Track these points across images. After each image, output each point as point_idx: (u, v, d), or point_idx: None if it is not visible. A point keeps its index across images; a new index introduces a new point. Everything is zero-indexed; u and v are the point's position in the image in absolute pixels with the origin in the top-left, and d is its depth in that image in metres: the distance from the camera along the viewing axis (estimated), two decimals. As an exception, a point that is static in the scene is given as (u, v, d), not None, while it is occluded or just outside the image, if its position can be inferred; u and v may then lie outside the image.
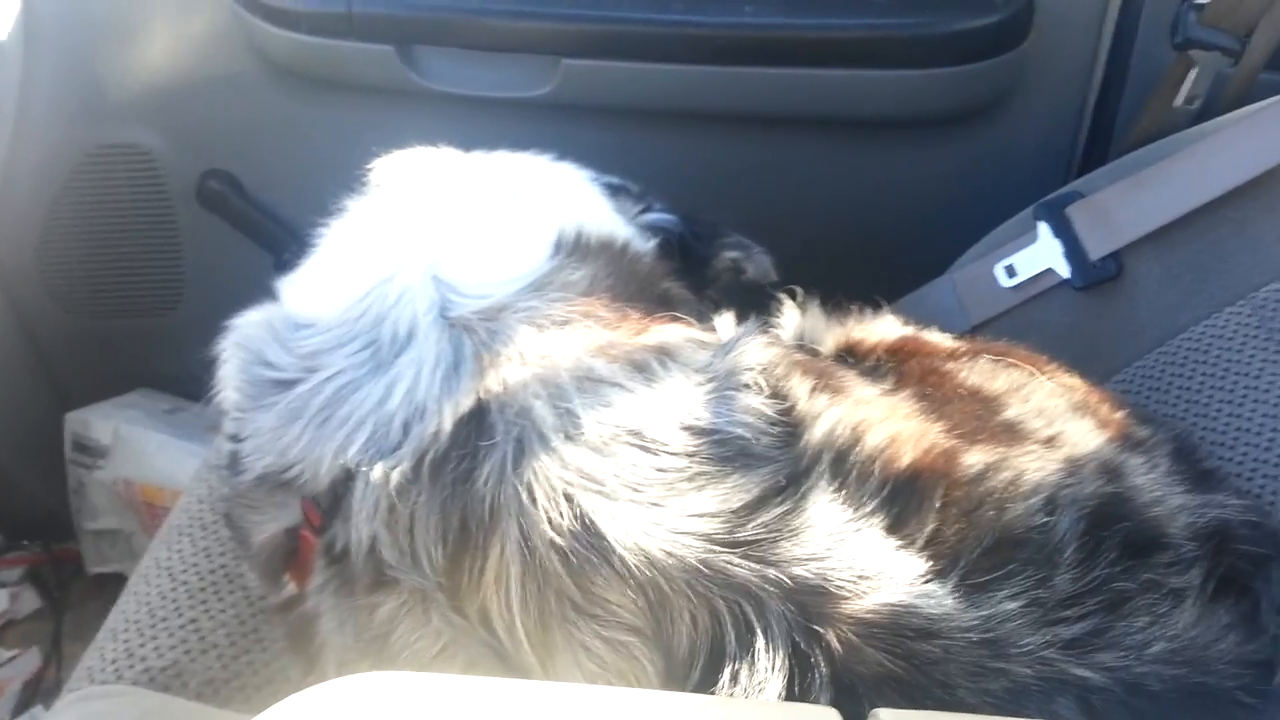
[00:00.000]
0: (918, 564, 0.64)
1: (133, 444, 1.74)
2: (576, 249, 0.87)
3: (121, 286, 1.77)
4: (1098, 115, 1.55)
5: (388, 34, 1.49)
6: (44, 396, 1.85)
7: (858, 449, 0.69)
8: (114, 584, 1.79)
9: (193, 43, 1.57)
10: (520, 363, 0.75)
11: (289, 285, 0.89)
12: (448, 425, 0.72)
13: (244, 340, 0.86)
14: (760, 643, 0.62)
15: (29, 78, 1.51)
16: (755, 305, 1.05)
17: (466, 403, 0.73)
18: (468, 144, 1.07)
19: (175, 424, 1.78)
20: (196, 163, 1.66)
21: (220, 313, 0.91)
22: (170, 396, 1.85)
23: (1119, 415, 0.82)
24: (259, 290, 0.93)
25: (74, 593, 1.90)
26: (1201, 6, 1.35)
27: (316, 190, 0.99)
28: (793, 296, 1.01)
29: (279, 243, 1.67)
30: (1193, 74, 1.34)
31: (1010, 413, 0.78)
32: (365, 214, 0.95)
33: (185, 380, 1.79)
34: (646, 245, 1.01)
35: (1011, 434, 0.75)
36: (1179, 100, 1.35)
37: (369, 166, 1.04)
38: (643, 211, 1.08)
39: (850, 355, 0.87)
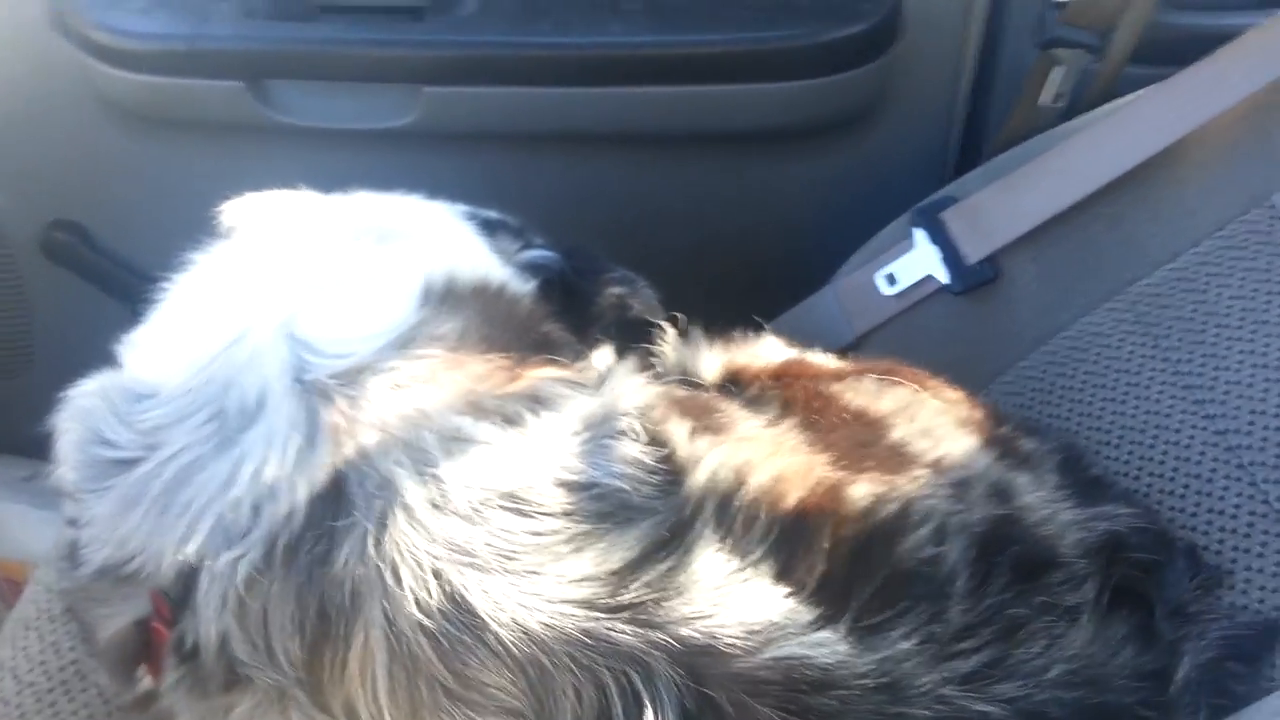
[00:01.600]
0: (808, 611, 0.61)
1: (-11, 516, 1.63)
2: (447, 297, 0.81)
3: (-35, 349, 1.66)
4: (970, 118, 1.57)
5: (235, 69, 1.43)
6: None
7: (742, 492, 0.66)
8: None
9: (28, 86, 1.47)
10: (382, 430, 0.69)
11: (129, 348, 0.82)
12: (302, 505, 0.66)
13: (79, 415, 0.78)
14: (649, 714, 0.58)
15: None
16: (640, 339, 1.02)
17: (322, 478, 0.67)
18: (330, 179, 1.01)
19: (33, 492, 1.66)
20: (40, 214, 1.57)
21: (77, 371, 0.83)
22: (27, 461, 1.73)
23: (1004, 429, 0.81)
24: (115, 343, 0.86)
25: None
26: (1062, 5, 1.37)
27: (172, 236, 0.92)
28: (674, 324, 0.98)
29: (136, 294, 1.57)
30: (1058, 72, 1.35)
31: (896, 434, 0.77)
32: (213, 265, 0.88)
33: (42, 444, 1.68)
34: (525, 286, 0.95)
35: (899, 458, 0.73)
36: (1046, 99, 1.37)
37: (219, 211, 0.98)
38: (522, 249, 1.03)
39: (734, 384, 0.85)
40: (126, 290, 1.59)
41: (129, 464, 0.72)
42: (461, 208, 1.02)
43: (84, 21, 1.42)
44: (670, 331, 1.00)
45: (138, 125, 1.49)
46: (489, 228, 1.00)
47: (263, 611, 0.65)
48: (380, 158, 1.48)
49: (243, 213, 0.95)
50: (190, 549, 0.67)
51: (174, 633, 0.69)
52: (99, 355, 0.85)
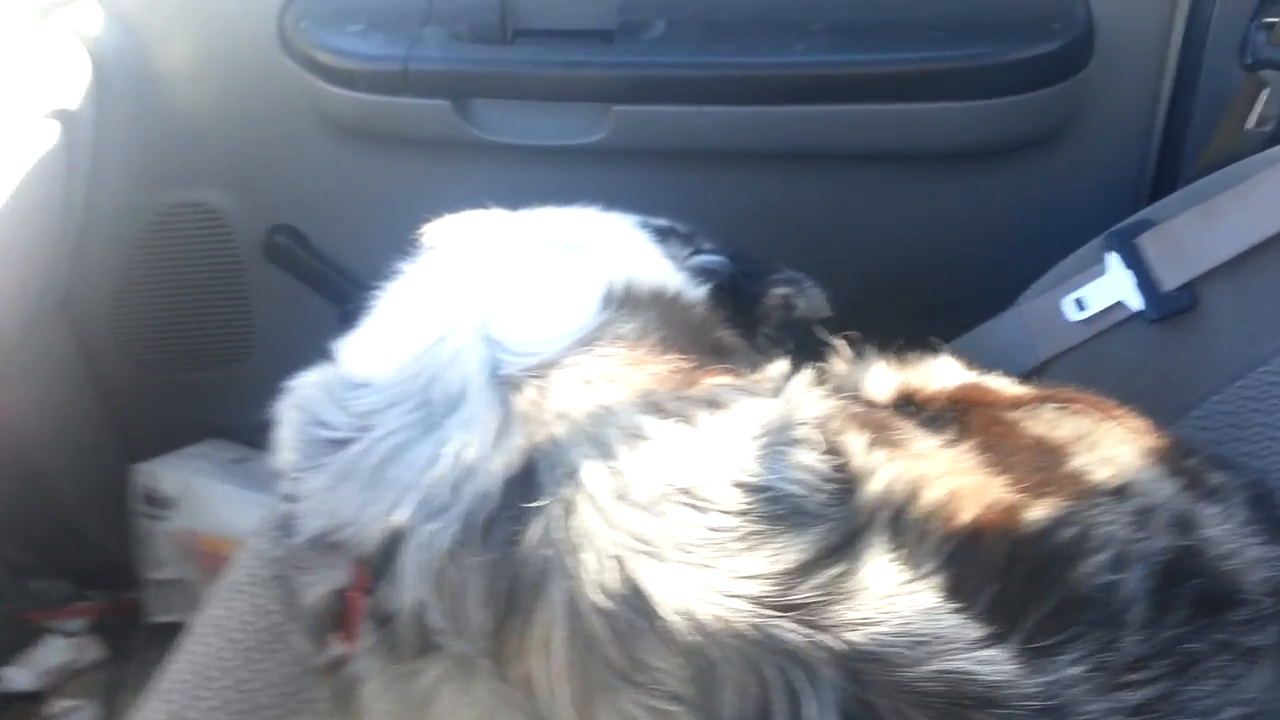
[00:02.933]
0: (977, 628, 0.61)
1: (199, 495, 1.77)
2: (626, 301, 0.87)
3: (192, 340, 1.81)
4: (1166, 140, 1.51)
5: (443, 89, 1.52)
6: (113, 449, 1.89)
7: (916, 505, 0.67)
8: (174, 633, 1.82)
9: (257, 104, 1.61)
10: (569, 421, 0.74)
11: (345, 347, 0.90)
12: (497, 486, 0.72)
13: (300, 401, 0.87)
14: (810, 713, 0.60)
15: (100, 143, 1.56)
16: (810, 343, 1.03)
17: (515, 463, 0.73)
18: (526, 193, 1.08)
19: (242, 474, 1.80)
20: (263, 219, 1.70)
21: (287, 364, 0.92)
22: (238, 446, 1.88)
23: (1191, 461, 0.78)
24: (324, 342, 0.94)
25: (136, 642, 1.92)
26: (1271, 25, 1.31)
27: (379, 242, 1.00)
28: (850, 342, 0.99)
29: (344, 295, 1.69)
30: (1264, 95, 1.29)
31: (1076, 462, 0.75)
32: (418, 276, 0.96)
33: (253, 430, 1.81)
34: (698, 292, 1.00)
35: (1078, 485, 0.72)
36: (1250, 123, 1.30)
37: (428, 221, 1.05)
38: (692, 254, 1.07)
39: (909, 404, 0.85)
40: (336, 291, 1.71)
41: (343, 444, 0.80)
42: (635, 218, 1.06)
43: (308, 42, 1.54)
44: (845, 349, 1.00)
45: (353, 140, 1.60)
46: (661, 235, 1.04)
47: (458, 583, 0.70)
48: (573, 173, 1.54)
49: (441, 230, 1.02)
50: (398, 518, 0.73)
51: (370, 601, 0.75)
52: (309, 351, 0.93)
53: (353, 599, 0.77)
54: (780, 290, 1.05)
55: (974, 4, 1.45)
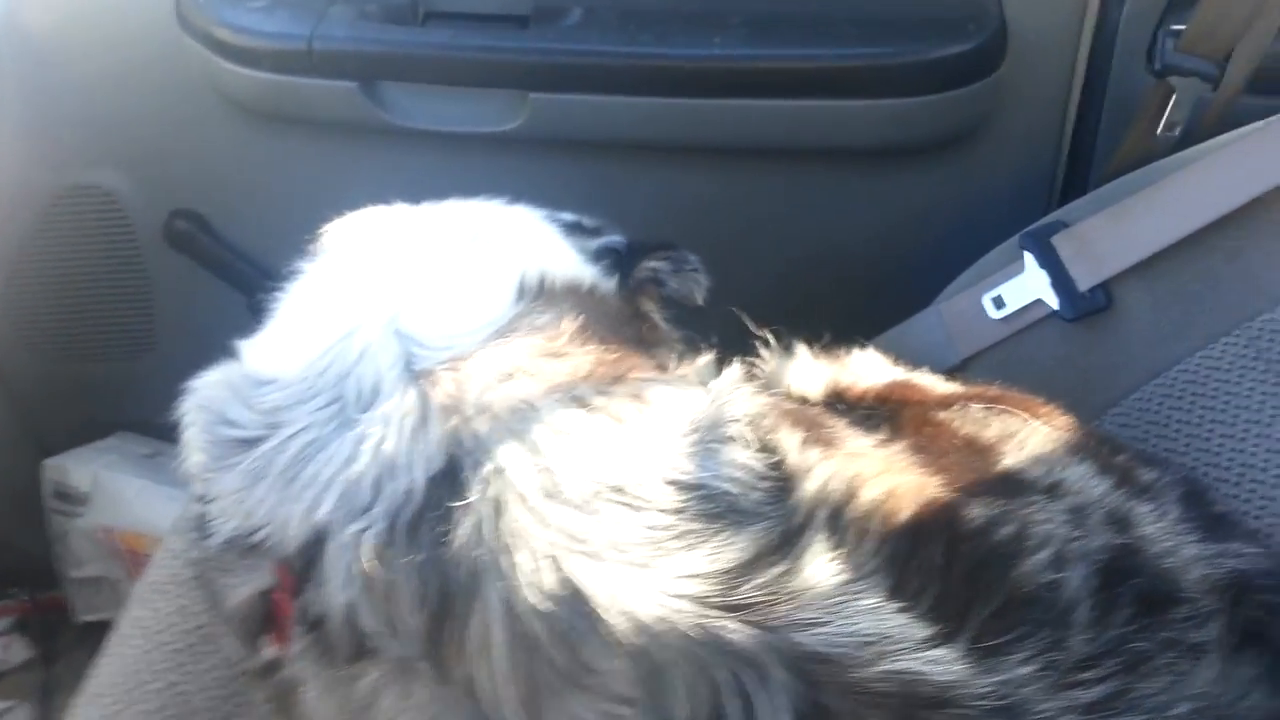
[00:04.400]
0: (923, 627, 0.61)
1: (112, 490, 1.71)
2: (541, 293, 0.84)
3: (94, 330, 1.74)
4: (1076, 142, 1.54)
5: (350, 70, 1.47)
6: (21, 443, 1.81)
7: (854, 504, 0.66)
8: (102, 631, 1.76)
9: (155, 82, 1.54)
10: (490, 415, 0.71)
11: (248, 346, 0.86)
12: (420, 484, 0.69)
13: (205, 401, 0.83)
14: (763, 714, 0.59)
15: (-13, 121, 1.48)
16: (680, 319, 1.01)
17: (437, 459, 0.70)
18: (435, 178, 1.05)
19: (154, 468, 1.74)
20: (163, 203, 1.63)
21: (194, 353, 0.88)
22: (149, 440, 1.82)
23: (1121, 458, 0.79)
24: (231, 331, 0.90)
25: (63, 641, 1.87)
26: (1178, 32, 1.34)
27: (285, 227, 0.96)
28: (776, 337, 0.98)
29: (250, 282, 1.63)
30: (1173, 100, 1.32)
31: (1007, 461, 0.76)
32: (321, 273, 0.92)
33: (163, 424, 1.75)
34: (610, 284, 0.98)
35: (1013, 484, 0.72)
36: (1160, 128, 1.34)
37: (336, 206, 1.01)
38: (595, 244, 1.05)
39: (839, 402, 0.84)
40: (241, 277, 1.65)
41: (252, 443, 0.76)
42: (541, 211, 1.04)
43: (207, 18, 1.47)
44: (772, 344, 1.00)
45: (256, 121, 1.54)
46: (568, 229, 1.02)
47: (387, 584, 0.67)
48: (487, 161, 1.51)
49: (343, 228, 0.99)
50: (318, 518, 0.70)
51: (298, 603, 0.72)
52: (215, 338, 0.89)
53: (280, 601, 0.74)
54: (652, 263, 1.01)
55: (891, 2, 1.46)
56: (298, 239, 0.96)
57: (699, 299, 1.01)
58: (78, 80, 1.53)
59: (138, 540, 1.70)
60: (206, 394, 0.82)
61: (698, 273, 1.01)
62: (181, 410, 0.84)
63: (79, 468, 1.75)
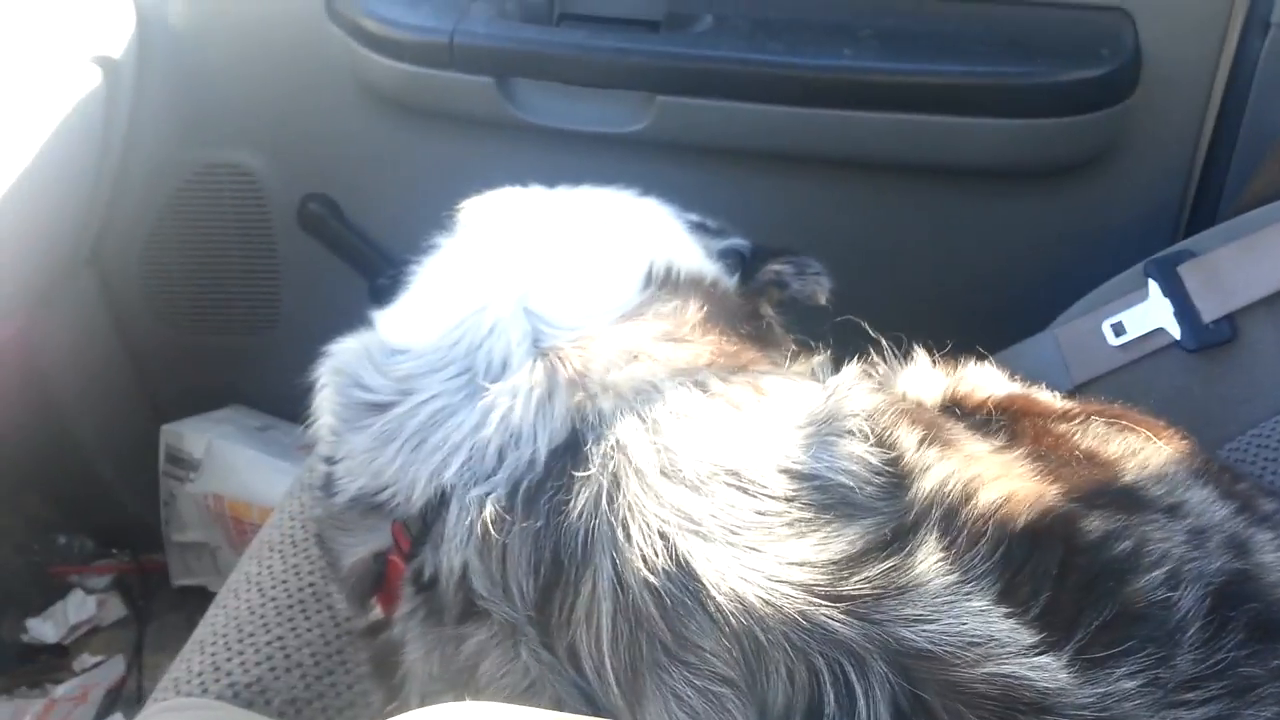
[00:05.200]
0: (1030, 634, 0.61)
1: (224, 459, 1.77)
2: (667, 282, 0.87)
3: (220, 303, 1.81)
4: (1206, 172, 1.51)
5: (487, 66, 1.51)
6: (140, 408, 1.90)
7: (969, 507, 0.66)
8: (196, 597, 1.84)
9: (299, 69, 1.60)
10: (614, 393, 0.74)
11: (383, 317, 0.90)
12: (543, 454, 0.72)
13: (340, 365, 0.87)
14: (861, 705, 0.60)
15: (140, 96, 1.56)
16: (805, 322, 1.02)
17: (561, 432, 0.73)
18: (562, 176, 1.07)
19: (266, 441, 1.80)
20: (298, 186, 1.69)
21: (313, 334, 0.92)
22: (261, 414, 1.89)
23: (1242, 486, 0.78)
24: (351, 313, 0.95)
25: (157, 603, 1.94)
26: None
27: (413, 217, 1.00)
28: (896, 344, 0.99)
29: (374, 267, 1.69)
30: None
31: (1129, 478, 0.75)
32: (456, 250, 0.96)
33: (277, 398, 1.83)
34: (731, 282, 0.99)
35: (1132, 500, 0.72)
36: (1298, 162, 1.31)
37: (464, 199, 1.05)
38: (720, 243, 1.07)
39: (956, 408, 0.84)
40: (366, 264, 1.70)
41: (384, 407, 0.80)
42: (670, 208, 1.06)
43: (355, 9, 1.53)
44: (888, 351, 1.00)
45: (393, 112, 1.59)
46: (694, 227, 1.04)
47: (503, 548, 0.69)
48: (612, 161, 1.53)
49: (480, 206, 1.02)
50: (444, 480, 0.73)
51: (412, 565, 0.75)
52: (336, 322, 0.93)
53: (394, 563, 0.77)
54: (776, 266, 1.03)
55: (1023, 23, 1.45)
56: (425, 228, 1.00)
57: (822, 299, 1.02)
58: (225, 62, 1.60)
59: (245, 509, 1.76)
60: (342, 359, 0.87)
61: (820, 276, 1.03)
62: (316, 372, 0.89)
63: (194, 435, 1.82)
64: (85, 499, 1.92)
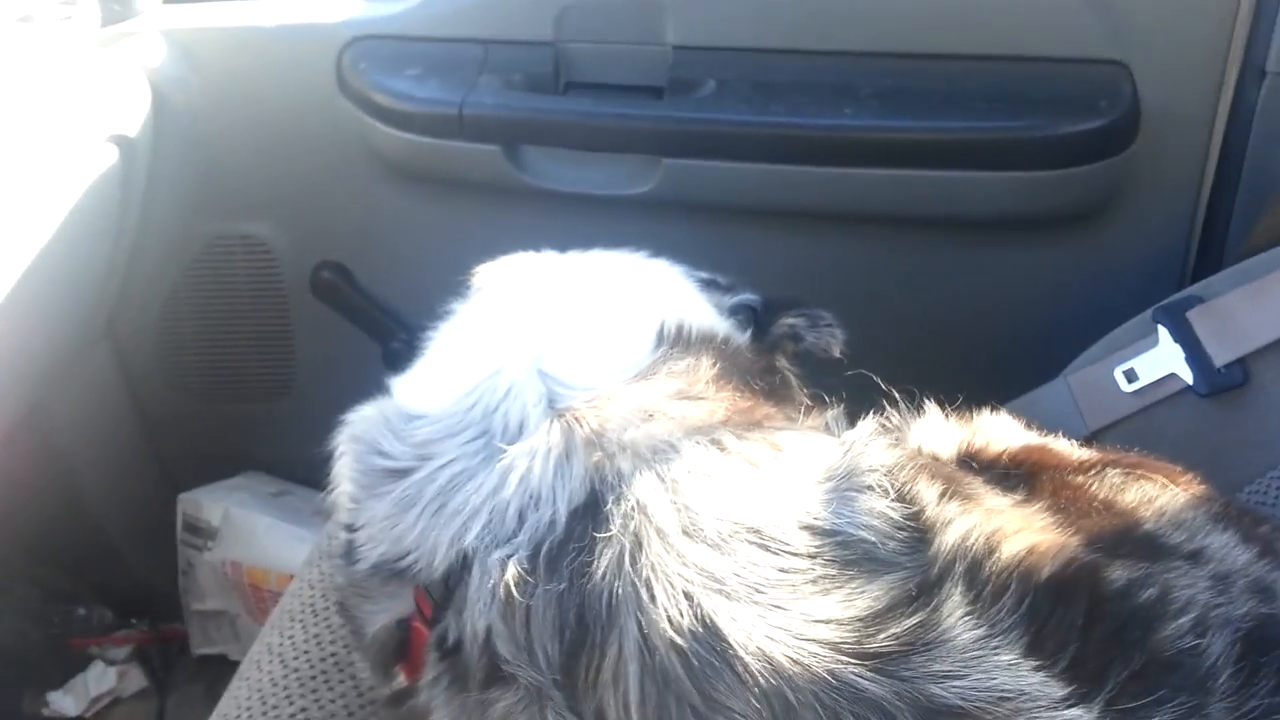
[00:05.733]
0: (1060, 686, 0.61)
1: (241, 526, 1.78)
2: (679, 340, 0.88)
3: (235, 371, 1.83)
4: (1210, 218, 1.52)
5: (495, 135, 1.54)
6: (156, 477, 1.91)
7: (993, 560, 0.66)
8: (217, 666, 1.84)
9: (311, 141, 1.64)
10: (632, 454, 0.74)
11: (399, 382, 0.91)
12: (563, 515, 0.72)
13: (358, 433, 0.87)
14: None
15: (155, 171, 1.59)
16: (818, 374, 1.02)
17: (580, 492, 0.73)
18: (571, 239, 1.09)
19: (282, 507, 1.81)
20: (310, 254, 1.72)
21: (327, 399, 0.93)
22: (276, 480, 1.90)
23: (1263, 529, 0.78)
24: (365, 378, 0.96)
25: (178, 673, 1.93)
26: (1322, 110, 1.33)
27: (424, 282, 1.01)
28: (908, 397, 0.99)
29: (387, 333, 1.71)
30: (1315, 179, 1.30)
31: (1148, 526, 0.75)
32: (470, 314, 0.97)
33: (291, 464, 1.85)
34: (743, 337, 1.00)
35: (1154, 548, 0.72)
36: (1302, 205, 1.32)
37: (475, 264, 1.06)
38: (730, 300, 1.08)
39: (973, 462, 0.84)
40: (378, 328, 1.72)
41: (403, 473, 0.81)
42: (679, 267, 1.07)
43: (365, 83, 1.57)
44: (900, 404, 1.00)
45: (404, 181, 1.63)
46: (704, 284, 1.05)
47: (527, 611, 0.69)
48: (620, 223, 1.54)
49: (493, 271, 1.04)
50: (465, 543, 0.73)
51: (436, 631, 0.75)
52: (350, 387, 0.94)
53: (417, 629, 0.77)
54: (789, 320, 1.04)
55: (1021, 78, 1.47)
56: (436, 292, 1.01)
57: (836, 352, 1.03)
58: (237, 136, 1.64)
59: (263, 576, 1.77)
60: (360, 426, 0.87)
61: (834, 328, 1.03)
62: (335, 440, 0.89)
63: (211, 503, 1.82)
64: (103, 570, 1.92)
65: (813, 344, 1.03)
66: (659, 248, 1.09)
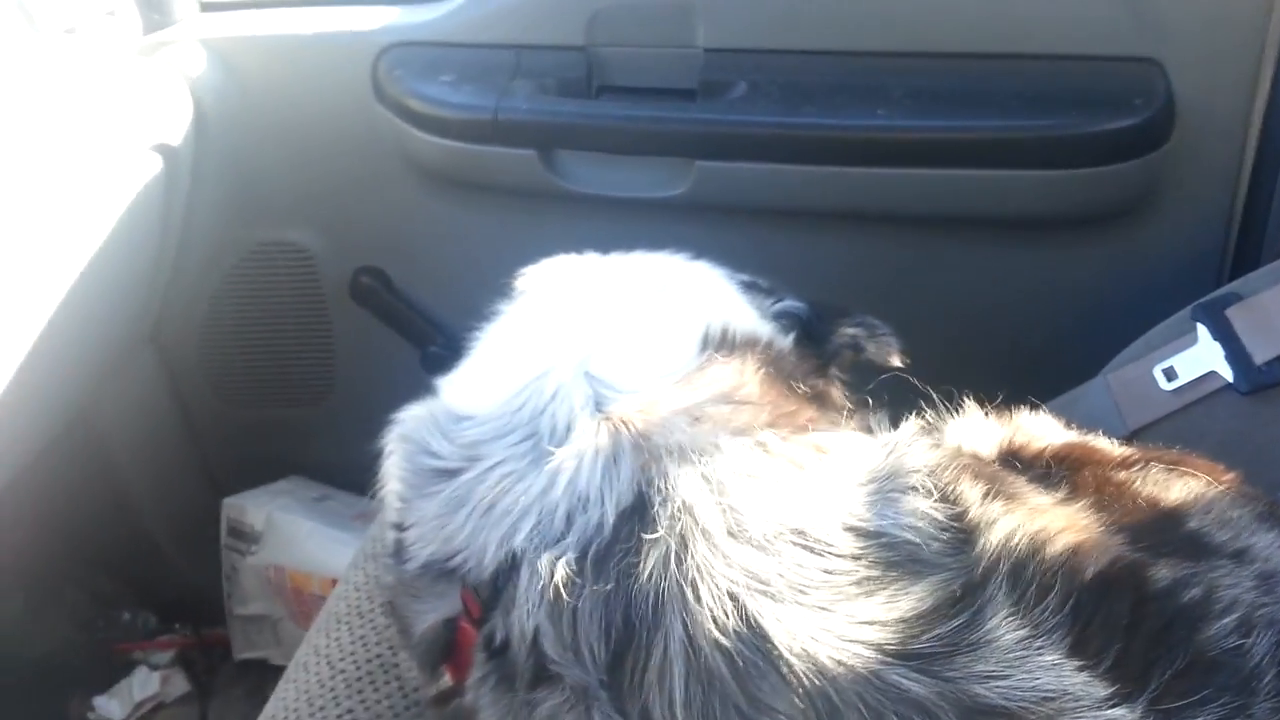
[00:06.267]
0: (1103, 686, 0.61)
1: (285, 530, 1.80)
2: (723, 344, 0.88)
3: (277, 376, 1.86)
4: (1247, 215, 1.51)
5: (530, 139, 1.56)
6: (199, 482, 1.94)
7: (1037, 560, 0.66)
8: (257, 670, 1.86)
9: (348, 147, 1.66)
10: (678, 456, 0.75)
11: (447, 383, 0.92)
12: (610, 517, 0.73)
13: (407, 432, 0.88)
14: None
15: (197, 180, 1.62)
16: (888, 393, 1.03)
17: (628, 494, 0.73)
18: (605, 242, 1.10)
19: (324, 512, 1.83)
20: (349, 260, 1.75)
21: (368, 403, 0.95)
22: (318, 484, 1.92)
23: (1309, 529, 0.78)
24: (404, 382, 0.97)
25: (220, 678, 1.95)
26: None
27: (462, 286, 1.02)
28: (947, 397, 0.99)
29: (424, 336, 1.72)
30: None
31: (1192, 524, 0.75)
32: (516, 316, 0.98)
33: (333, 468, 1.88)
34: (786, 341, 1.01)
35: (1198, 547, 0.72)
36: (1342, 200, 1.31)
37: (511, 268, 1.07)
38: (775, 304, 1.08)
39: (1015, 460, 0.85)
40: (417, 332, 1.74)
41: (452, 473, 0.82)
42: (721, 270, 1.08)
43: (401, 90, 1.59)
44: (939, 404, 1.00)
45: (440, 186, 1.64)
46: (746, 287, 1.06)
47: (574, 611, 0.70)
48: (654, 225, 1.56)
49: (538, 273, 1.05)
50: (514, 544, 0.74)
51: (484, 630, 0.76)
52: (389, 391, 0.95)
53: (464, 629, 0.78)
54: (849, 330, 1.05)
55: (1055, 76, 1.47)
56: (472, 295, 1.02)
57: (895, 361, 1.03)
58: (277, 145, 1.67)
59: (305, 580, 1.79)
60: (409, 426, 0.88)
61: (890, 336, 1.04)
62: (383, 440, 0.90)
63: (254, 507, 1.84)
64: (147, 574, 1.95)
65: (874, 354, 1.04)
66: (694, 250, 1.09)
